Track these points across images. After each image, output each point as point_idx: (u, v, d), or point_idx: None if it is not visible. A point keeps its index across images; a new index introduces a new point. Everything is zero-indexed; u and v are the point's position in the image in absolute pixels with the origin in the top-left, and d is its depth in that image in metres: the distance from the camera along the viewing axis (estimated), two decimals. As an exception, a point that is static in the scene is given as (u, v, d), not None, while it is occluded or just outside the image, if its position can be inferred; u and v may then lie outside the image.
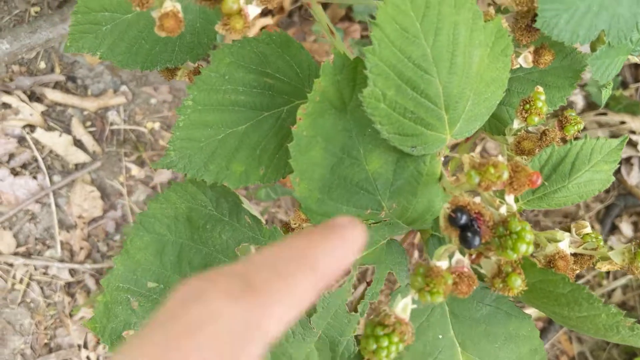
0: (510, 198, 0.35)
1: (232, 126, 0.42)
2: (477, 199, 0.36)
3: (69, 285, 1.14)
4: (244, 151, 0.42)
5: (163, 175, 1.19)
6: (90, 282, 1.15)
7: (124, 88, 1.19)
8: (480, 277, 0.39)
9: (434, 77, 0.37)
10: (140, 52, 0.45)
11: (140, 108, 1.19)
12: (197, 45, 0.45)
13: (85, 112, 1.17)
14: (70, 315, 1.13)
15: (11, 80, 1.16)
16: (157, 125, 1.18)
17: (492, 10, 0.40)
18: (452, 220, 0.34)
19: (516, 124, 0.43)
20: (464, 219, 0.33)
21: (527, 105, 0.42)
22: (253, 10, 0.32)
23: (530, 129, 0.45)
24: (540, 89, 0.42)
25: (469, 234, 0.33)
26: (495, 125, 0.47)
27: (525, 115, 0.42)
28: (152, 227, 0.47)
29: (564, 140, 0.45)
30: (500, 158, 0.34)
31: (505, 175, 0.33)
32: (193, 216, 0.48)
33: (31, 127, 1.15)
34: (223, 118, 0.41)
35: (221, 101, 0.41)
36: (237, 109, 0.41)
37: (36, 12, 1.18)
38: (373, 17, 0.35)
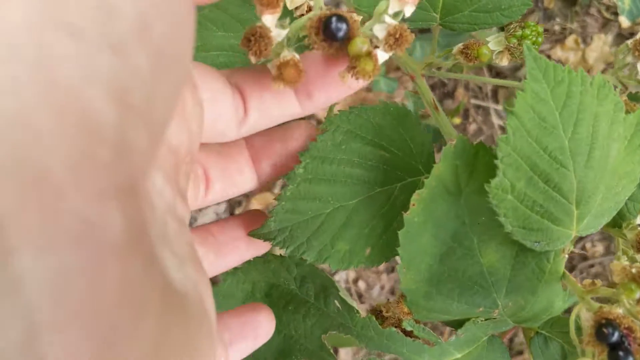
0: (659, 312, 0.32)
1: (342, 200, 0.38)
2: (620, 310, 0.32)
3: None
4: (352, 229, 0.38)
5: (207, 217, 1.15)
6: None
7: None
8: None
9: (569, 171, 0.34)
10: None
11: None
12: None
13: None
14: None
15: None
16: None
17: (625, 97, 0.38)
18: (601, 335, 0.30)
19: (639, 220, 0.40)
20: (615, 336, 0.30)
21: (656, 202, 0.38)
22: (382, 56, 0.29)
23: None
24: (669, 184, 0.39)
25: (621, 354, 0.30)
26: (612, 217, 0.43)
27: (653, 212, 0.38)
28: (226, 304, 0.44)
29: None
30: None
31: (668, 290, 0.29)
32: (273, 294, 0.44)
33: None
34: (334, 191, 0.38)
35: (335, 172, 0.37)
36: (349, 182, 0.38)
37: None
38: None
